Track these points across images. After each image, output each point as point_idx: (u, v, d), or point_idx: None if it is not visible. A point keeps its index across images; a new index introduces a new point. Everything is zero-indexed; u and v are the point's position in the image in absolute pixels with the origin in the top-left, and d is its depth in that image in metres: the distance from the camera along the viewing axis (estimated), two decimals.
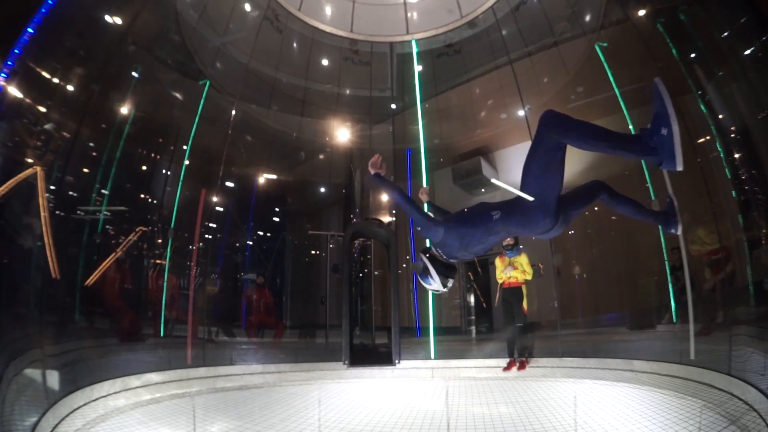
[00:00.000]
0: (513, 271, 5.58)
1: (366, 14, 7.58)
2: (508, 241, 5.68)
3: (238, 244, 8.20)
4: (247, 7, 7.35)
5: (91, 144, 5.18)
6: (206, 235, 7.21)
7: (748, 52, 4.13)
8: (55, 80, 4.28)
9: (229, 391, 4.77)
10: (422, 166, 7.19)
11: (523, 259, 5.61)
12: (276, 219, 9.14)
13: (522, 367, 5.39)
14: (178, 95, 7.02)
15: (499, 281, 5.72)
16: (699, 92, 4.78)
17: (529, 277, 5.60)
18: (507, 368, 5.39)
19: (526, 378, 5.08)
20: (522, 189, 2.38)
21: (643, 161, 5.72)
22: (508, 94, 7.69)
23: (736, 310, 4.35)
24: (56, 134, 4.28)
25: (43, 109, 4.13)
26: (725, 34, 4.41)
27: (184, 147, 6.56)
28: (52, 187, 4.02)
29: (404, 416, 3.43)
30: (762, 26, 3.85)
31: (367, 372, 5.89)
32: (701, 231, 5.08)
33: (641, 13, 5.82)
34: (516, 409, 3.50)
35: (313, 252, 9.30)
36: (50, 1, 3.94)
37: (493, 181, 8.47)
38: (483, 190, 8.68)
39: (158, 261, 6.19)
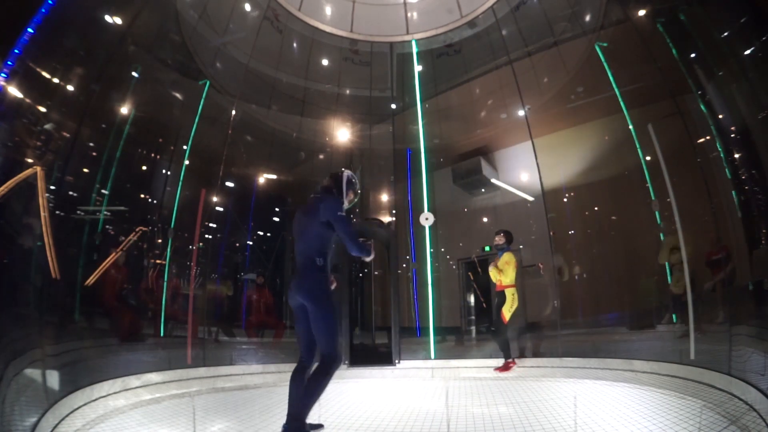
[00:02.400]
0: (492, 269, 5.55)
1: (366, 14, 7.58)
2: (497, 240, 5.64)
3: (238, 244, 8.20)
4: (247, 7, 7.36)
5: (91, 144, 5.18)
6: (206, 235, 7.21)
7: (748, 52, 4.13)
8: (55, 80, 4.27)
9: (229, 392, 4.77)
10: (422, 166, 7.19)
11: (503, 259, 5.50)
12: (276, 219, 9.14)
13: (504, 369, 5.36)
14: (178, 95, 7.02)
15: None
16: (699, 92, 4.79)
17: (504, 279, 5.46)
18: (499, 369, 5.43)
19: (527, 378, 5.08)
20: None
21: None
22: (508, 94, 7.70)
23: (736, 310, 4.35)
24: (56, 134, 4.28)
25: (43, 109, 4.13)
26: (725, 34, 4.40)
27: (184, 147, 6.56)
28: (52, 187, 4.02)
29: (404, 416, 3.43)
30: (762, 26, 3.85)
31: (367, 372, 5.89)
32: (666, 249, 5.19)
33: (641, 13, 5.82)
34: (516, 409, 3.50)
35: None
36: (50, 1, 3.94)
37: (493, 181, 8.48)
38: (483, 190, 8.68)
39: (158, 261, 6.19)
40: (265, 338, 7.52)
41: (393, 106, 8.51)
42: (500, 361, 5.53)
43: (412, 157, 7.97)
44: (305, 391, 2.66)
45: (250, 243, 8.27)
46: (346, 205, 3.09)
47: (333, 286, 2.90)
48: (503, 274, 5.45)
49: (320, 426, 3.08)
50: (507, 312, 5.42)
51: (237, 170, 7.88)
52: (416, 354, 6.43)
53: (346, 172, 3.17)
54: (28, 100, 3.96)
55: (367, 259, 3.03)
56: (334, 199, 2.93)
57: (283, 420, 2.69)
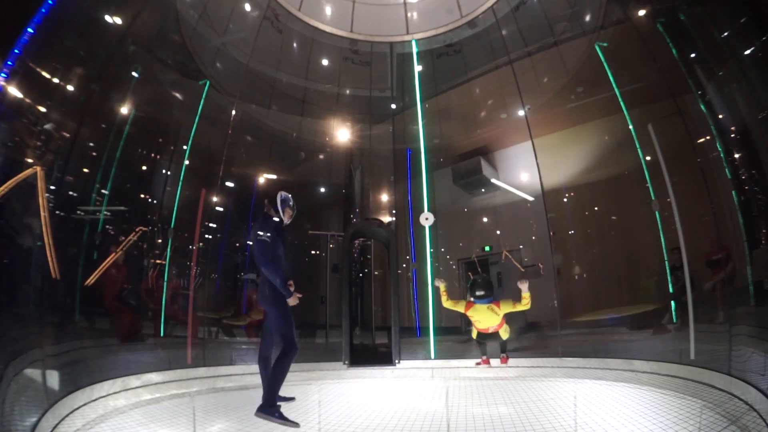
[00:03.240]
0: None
1: (366, 14, 7.59)
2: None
3: (238, 244, 8.20)
4: (247, 7, 7.35)
5: (91, 144, 5.18)
6: (206, 235, 7.21)
7: (748, 52, 4.13)
8: (55, 80, 4.27)
9: (229, 392, 4.77)
10: (422, 166, 7.19)
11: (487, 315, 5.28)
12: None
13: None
14: (178, 95, 7.02)
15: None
16: (699, 92, 4.79)
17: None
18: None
19: (526, 378, 5.08)
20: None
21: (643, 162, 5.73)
22: (508, 94, 7.69)
23: (736, 310, 4.36)
24: (56, 134, 4.28)
25: (43, 109, 4.13)
26: (725, 34, 4.41)
27: (184, 147, 6.55)
28: (52, 187, 4.02)
29: (404, 417, 3.43)
30: (762, 26, 3.85)
31: (367, 372, 5.89)
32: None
33: (641, 13, 5.82)
34: (516, 409, 3.50)
35: (313, 252, 9.30)
36: (50, 1, 3.94)
37: (493, 181, 8.48)
38: (483, 190, 8.68)
39: (158, 261, 6.19)
40: None
41: (393, 106, 8.51)
42: (496, 361, 5.56)
43: (412, 157, 7.96)
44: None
45: (250, 243, 8.27)
46: (286, 221, 3.80)
47: (295, 302, 3.60)
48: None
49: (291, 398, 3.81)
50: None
51: (237, 170, 7.88)
52: (416, 354, 6.43)
53: (280, 194, 3.78)
54: (28, 100, 3.96)
55: (292, 301, 3.57)
56: (257, 224, 3.68)
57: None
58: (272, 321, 3.52)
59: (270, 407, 3.23)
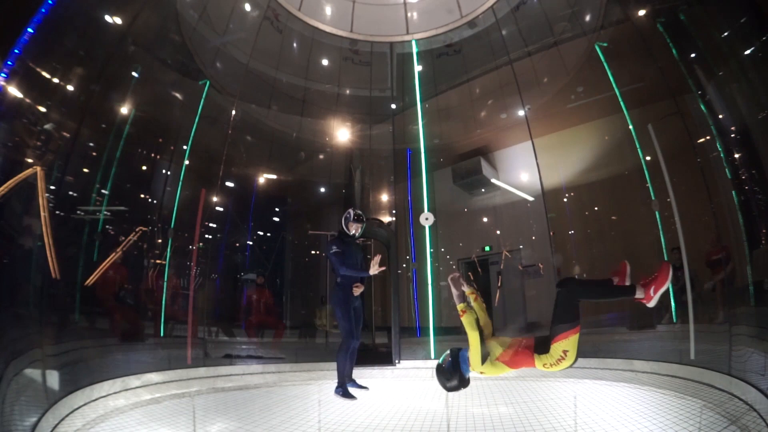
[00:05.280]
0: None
1: (366, 14, 7.58)
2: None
3: (238, 244, 8.20)
4: (247, 7, 7.35)
5: (91, 144, 5.17)
6: (206, 235, 7.21)
7: (748, 52, 4.13)
8: (55, 80, 4.27)
9: (229, 392, 4.77)
10: (422, 166, 7.18)
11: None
12: (276, 219, 9.13)
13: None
14: (178, 95, 7.01)
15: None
16: (699, 92, 4.79)
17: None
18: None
19: (526, 378, 5.08)
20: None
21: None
22: (508, 94, 7.69)
23: (736, 310, 4.35)
24: (56, 134, 4.28)
25: (43, 109, 4.13)
26: (725, 34, 4.41)
27: (184, 147, 6.55)
28: (52, 187, 4.02)
29: (404, 416, 3.43)
30: (762, 26, 3.85)
31: (367, 372, 5.89)
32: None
33: (641, 13, 5.82)
34: (516, 409, 3.50)
35: (313, 252, 9.30)
36: (50, 1, 3.94)
37: (493, 181, 8.48)
38: (483, 190, 8.68)
39: (158, 261, 6.19)
40: (266, 338, 7.52)
41: (393, 106, 8.50)
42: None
43: (412, 157, 7.96)
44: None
45: (250, 243, 8.27)
46: (353, 233, 4.52)
47: (358, 291, 4.56)
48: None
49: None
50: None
51: (237, 170, 7.88)
52: (416, 354, 6.43)
53: (346, 213, 4.52)
54: (28, 100, 3.96)
55: (373, 271, 4.36)
56: (329, 243, 4.67)
57: (283, 419, 2.78)
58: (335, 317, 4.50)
59: (339, 387, 4.16)
